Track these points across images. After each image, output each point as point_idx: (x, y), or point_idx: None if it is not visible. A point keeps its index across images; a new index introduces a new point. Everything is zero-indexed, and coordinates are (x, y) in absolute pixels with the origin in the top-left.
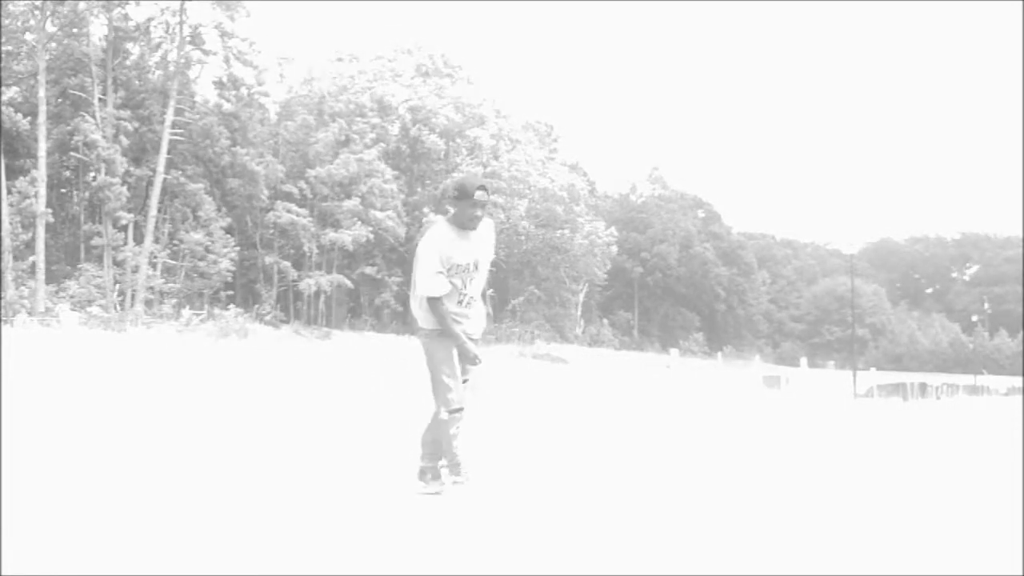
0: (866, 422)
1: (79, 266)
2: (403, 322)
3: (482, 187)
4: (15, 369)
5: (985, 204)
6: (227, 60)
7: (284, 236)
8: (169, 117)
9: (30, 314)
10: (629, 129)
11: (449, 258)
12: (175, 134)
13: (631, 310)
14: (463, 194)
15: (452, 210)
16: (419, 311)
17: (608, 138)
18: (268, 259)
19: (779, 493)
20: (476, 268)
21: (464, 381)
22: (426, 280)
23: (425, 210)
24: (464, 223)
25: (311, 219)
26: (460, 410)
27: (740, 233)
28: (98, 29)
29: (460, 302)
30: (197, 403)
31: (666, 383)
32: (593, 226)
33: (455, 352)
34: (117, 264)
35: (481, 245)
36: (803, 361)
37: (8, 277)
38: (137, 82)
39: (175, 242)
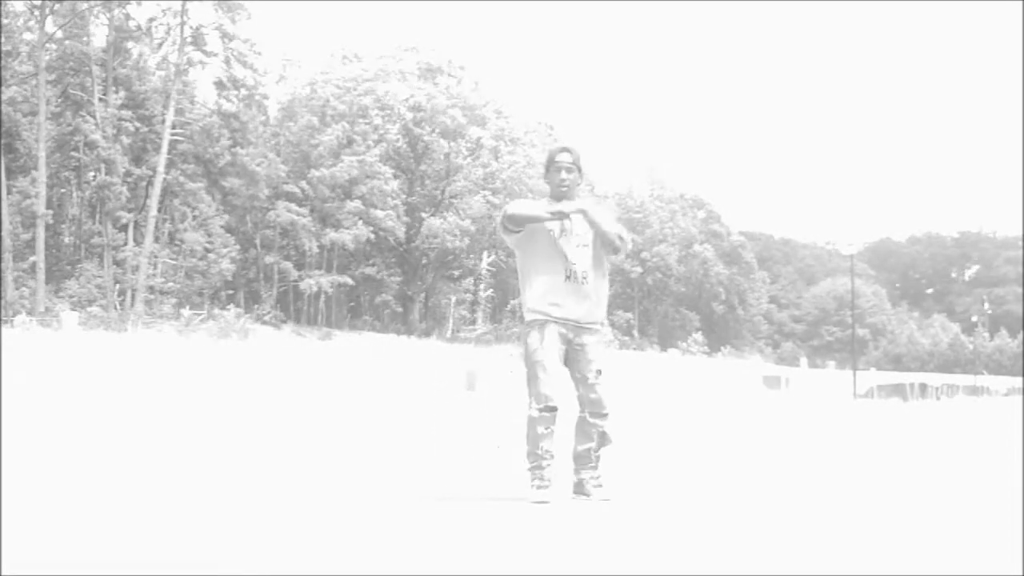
0: (866, 423)
1: (79, 266)
2: (403, 322)
3: (565, 150)
4: (15, 369)
5: (985, 204)
6: (227, 61)
7: (285, 236)
8: (170, 117)
9: (30, 314)
10: (628, 129)
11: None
12: (176, 134)
13: (631, 310)
14: (549, 162)
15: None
16: (523, 299)
17: (607, 138)
18: (268, 259)
19: (780, 494)
20: (577, 238)
21: (603, 416)
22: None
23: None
24: (554, 191)
25: (311, 219)
26: (553, 409)
27: (740, 233)
28: (99, 29)
29: (568, 277)
30: (197, 403)
31: (665, 383)
32: None
33: (555, 342)
34: (117, 264)
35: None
36: (803, 361)
37: (8, 277)
38: (138, 82)
39: (175, 242)
